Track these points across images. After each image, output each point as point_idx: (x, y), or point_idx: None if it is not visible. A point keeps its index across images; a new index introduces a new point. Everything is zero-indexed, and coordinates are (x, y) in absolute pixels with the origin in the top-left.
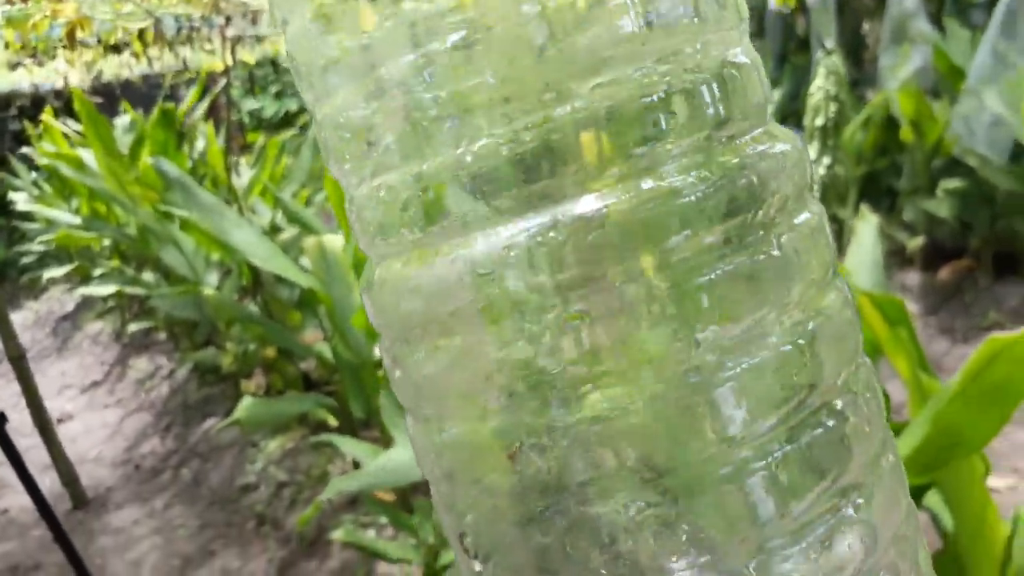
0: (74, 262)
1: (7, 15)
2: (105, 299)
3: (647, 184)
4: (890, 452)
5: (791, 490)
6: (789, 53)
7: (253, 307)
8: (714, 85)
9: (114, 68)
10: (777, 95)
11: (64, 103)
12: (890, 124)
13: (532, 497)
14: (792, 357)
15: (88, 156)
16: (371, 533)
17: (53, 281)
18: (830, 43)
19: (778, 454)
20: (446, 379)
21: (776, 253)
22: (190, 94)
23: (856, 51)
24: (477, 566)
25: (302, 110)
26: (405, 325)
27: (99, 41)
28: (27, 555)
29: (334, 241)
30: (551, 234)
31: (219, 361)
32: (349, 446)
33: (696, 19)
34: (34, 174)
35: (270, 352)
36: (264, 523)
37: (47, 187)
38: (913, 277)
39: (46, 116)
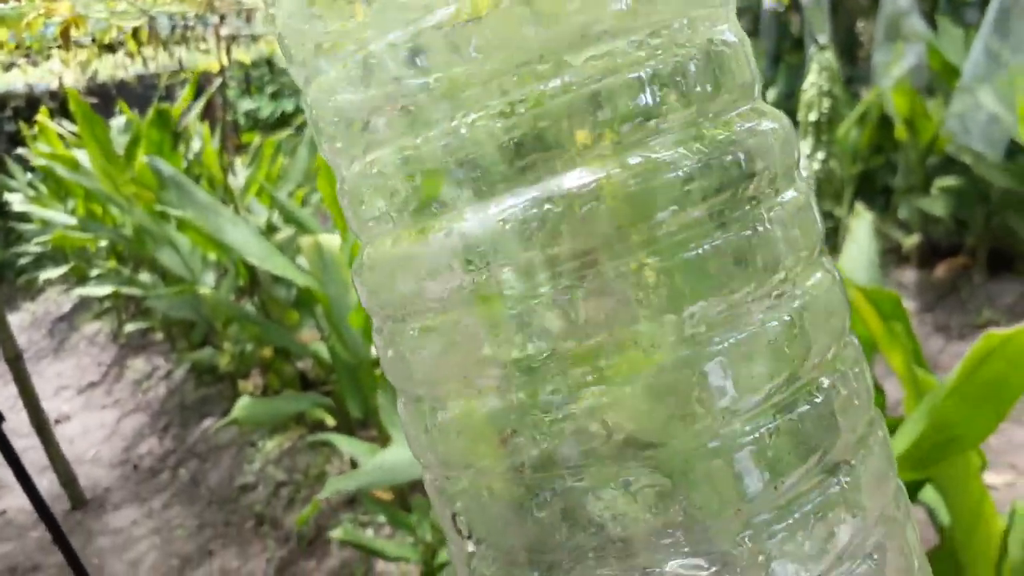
0: (70, 263)
1: (0, 14)
2: (102, 300)
3: (636, 158)
4: (878, 429)
5: (779, 465)
6: (784, 52)
7: (250, 307)
8: (705, 60)
9: (109, 68)
10: (772, 94)
11: (59, 104)
12: (884, 122)
13: (526, 475)
14: (779, 333)
15: (83, 157)
16: (369, 532)
17: (49, 282)
18: (823, 39)
19: (766, 429)
20: (438, 358)
21: (763, 229)
22: (184, 94)
23: (850, 49)
24: (470, 546)
25: (298, 110)
26: (397, 303)
27: (94, 40)
28: (25, 556)
29: (331, 240)
30: (542, 208)
31: (216, 361)
32: (347, 445)
33: None
34: (29, 175)
35: (267, 352)
36: (263, 522)
37: (43, 188)
38: (909, 275)
39: (41, 117)
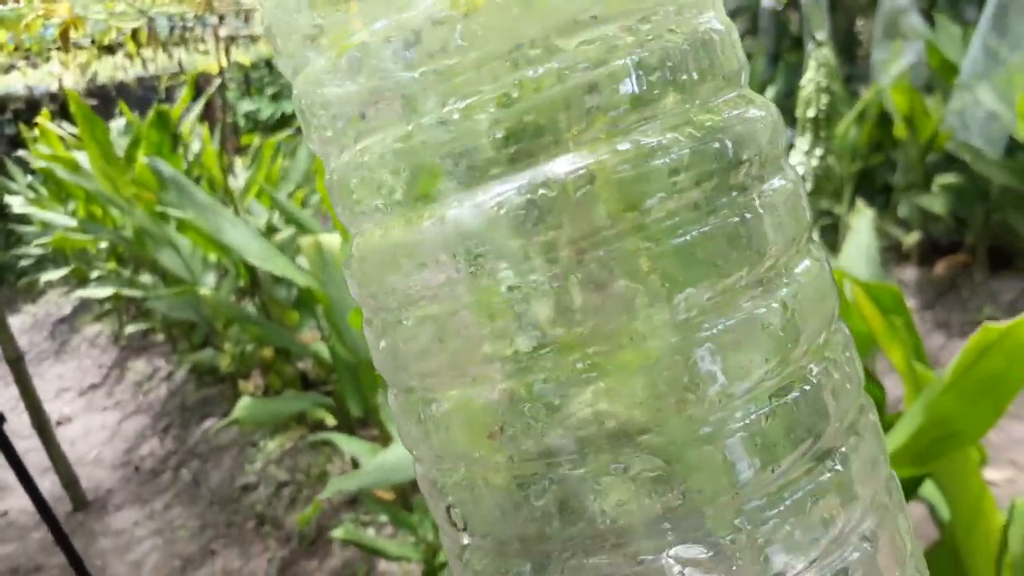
0: (71, 265)
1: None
2: (102, 301)
3: (626, 144)
4: (869, 415)
5: (770, 452)
6: (782, 51)
7: (250, 308)
8: (694, 46)
9: (109, 70)
10: (770, 93)
11: (59, 106)
12: (884, 120)
13: (520, 465)
14: (769, 319)
15: (84, 158)
16: (371, 531)
17: (50, 284)
18: (822, 36)
19: (757, 415)
20: (429, 348)
21: (752, 215)
22: (182, 95)
23: (849, 47)
24: (465, 539)
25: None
26: (387, 293)
27: (93, 42)
28: (27, 557)
29: (331, 240)
30: (533, 195)
31: (217, 362)
32: (348, 444)
33: None
34: (30, 177)
35: (268, 352)
36: (264, 523)
37: (43, 190)
38: (909, 273)
39: (41, 119)
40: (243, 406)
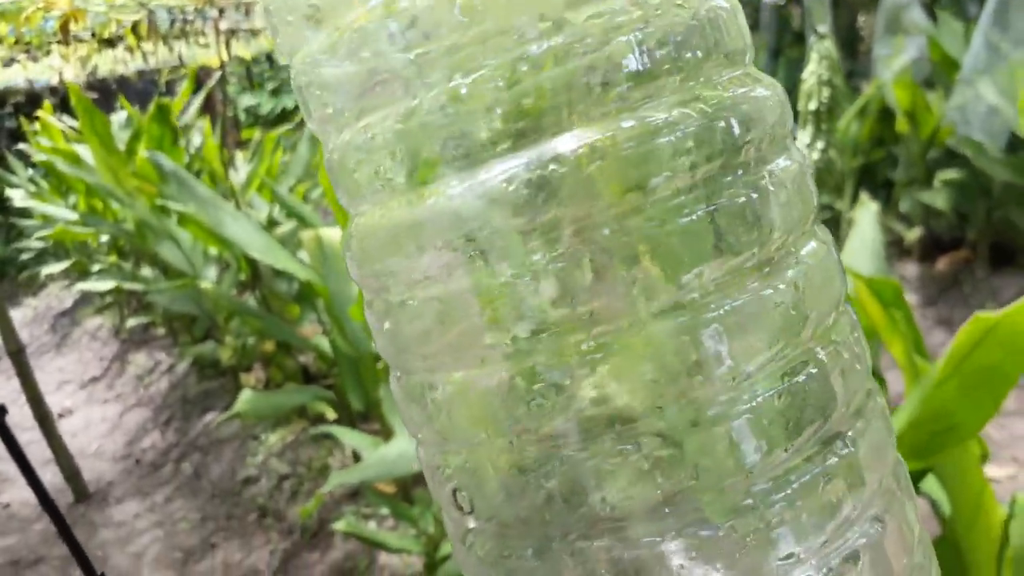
0: (72, 258)
1: (0, 9)
2: (103, 295)
3: (631, 121)
4: (876, 400)
5: (777, 434)
6: (784, 46)
7: (251, 301)
8: (701, 22)
9: (109, 64)
10: None
11: (60, 99)
12: (885, 115)
13: (526, 447)
14: (776, 300)
15: (85, 151)
16: (372, 524)
17: (51, 277)
18: (824, 29)
19: (764, 397)
20: (431, 330)
21: (758, 195)
22: (183, 89)
23: (851, 43)
24: (471, 522)
25: (299, 107)
26: (387, 274)
27: (93, 35)
28: (29, 549)
29: (332, 234)
30: (540, 172)
31: (218, 355)
32: (349, 438)
33: None
34: (30, 171)
35: (269, 346)
36: (266, 515)
37: (44, 184)
38: (911, 269)
39: (42, 112)
40: (244, 399)
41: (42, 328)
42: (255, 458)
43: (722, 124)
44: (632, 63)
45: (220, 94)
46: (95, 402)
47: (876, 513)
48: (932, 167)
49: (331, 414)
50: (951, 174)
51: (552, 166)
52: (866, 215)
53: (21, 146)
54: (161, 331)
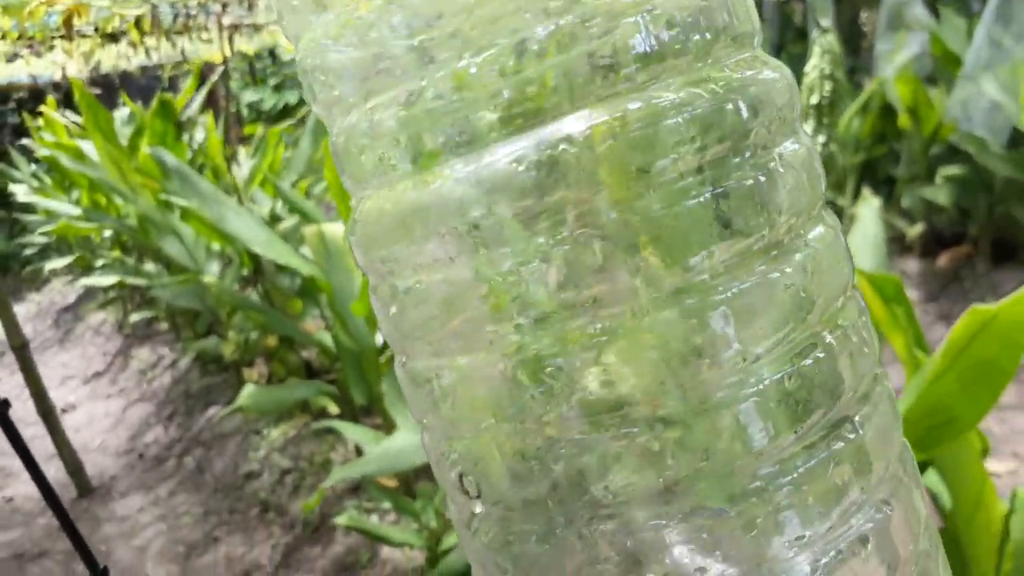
0: (75, 253)
1: (3, 3)
2: (106, 290)
3: (638, 103)
4: (883, 385)
5: (784, 418)
6: (786, 42)
7: (254, 296)
8: (710, 3)
9: (112, 59)
10: None
11: (63, 95)
12: (887, 111)
13: (533, 431)
14: (784, 284)
15: (88, 147)
16: (374, 518)
17: (55, 272)
18: (826, 23)
19: (771, 381)
20: (436, 314)
21: (766, 178)
22: (187, 85)
23: (853, 39)
24: (477, 507)
25: (301, 102)
26: (392, 258)
27: (96, 30)
28: (32, 543)
29: (334, 229)
30: (547, 153)
31: (221, 350)
32: (351, 432)
33: None
34: (34, 166)
35: (272, 340)
36: (268, 509)
37: (47, 179)
38: (912, 264)
39: (46, 107)
40: (247, 394)
41: (45, 323)
42: (257, 453)
43: (730, 106)
44: (640, 44)
45: (223, 90)
46: (98, 397)
47: (883, 498)
48: (934, 163)
49: (333, 409)
50: (953, 170)
51: (563, 146)
52: (868, 211)
53: (24, 141)
54: (164, 326)
